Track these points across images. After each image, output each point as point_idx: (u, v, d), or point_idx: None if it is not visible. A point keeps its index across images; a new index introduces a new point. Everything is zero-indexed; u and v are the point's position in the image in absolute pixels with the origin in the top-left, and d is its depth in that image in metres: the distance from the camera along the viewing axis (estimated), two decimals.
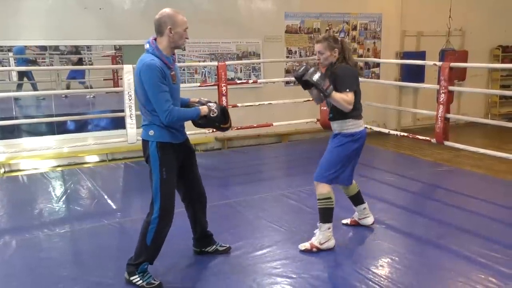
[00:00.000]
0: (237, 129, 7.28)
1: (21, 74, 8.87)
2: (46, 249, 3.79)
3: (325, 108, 7.26)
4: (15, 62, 8.51)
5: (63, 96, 9.30)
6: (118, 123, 7.40)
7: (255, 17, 8.11)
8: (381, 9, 9.09)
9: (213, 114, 3.18)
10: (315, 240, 3.60)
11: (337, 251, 3.65)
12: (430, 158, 6.90)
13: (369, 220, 4.05)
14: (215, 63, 7.01)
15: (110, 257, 3.60)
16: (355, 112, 3.57)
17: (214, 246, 3.60)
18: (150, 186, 3.13)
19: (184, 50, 3.07)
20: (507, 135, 7.88)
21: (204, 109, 3.17)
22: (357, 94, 3.57)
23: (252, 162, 6.89)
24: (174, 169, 3.16)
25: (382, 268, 3.38)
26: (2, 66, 8.44)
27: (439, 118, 5.85)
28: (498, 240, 3.81)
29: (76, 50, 8.85)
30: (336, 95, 3.43)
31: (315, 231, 3.67)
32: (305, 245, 3.61)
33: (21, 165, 6.92)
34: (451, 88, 5.83)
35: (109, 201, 4.91)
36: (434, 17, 9.15)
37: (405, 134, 6.93)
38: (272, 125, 7.49)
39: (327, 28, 8.64)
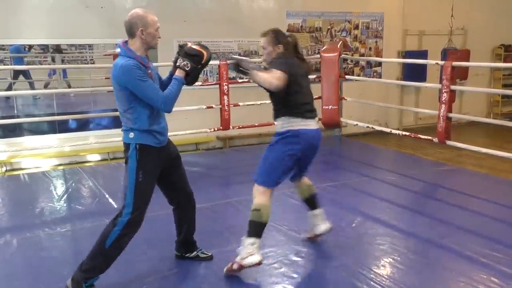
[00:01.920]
0: (239, 128, 7.27)
1: (17, 73, 8.85)
2: (47, 248, 3.79)
3: (327, 107, 7.29)
4: (12, 61, 8.51)
5: (72, 94, 9.27)
6: (120, 122, 7.39)
7: (257, 16, 8.09)
8: (383, 8, 9.07)
9: (187, 68, 3.00)
10: (238, 257, 3.20)
11: (339, 251, 3.65)
12: (432, 157, 6.89)
13: (321, 228, 3.62)
14: (217, 62, 7.00)
15: None
16: (293, 108, 3.19)
17: (195, 252, 3.48)
18: (124, 188, 3.00)
19: (152, 49, 2.95)
20: (509, 135, 7.86)
21: (179, 72, 3.01)
22: (297, 90, 3.18)
23: (254, 161, 6.78)
24: (152, 174, 3.04)
25: (384, 268, 3.38)
26: (4, 64, 8.44)
27: (441, 118, 5.83)
28: (501, 240, 3.79)
29: (57, 47, 8.77)
30: (258, 72, 3.06)
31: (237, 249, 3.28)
32: (227, 266, 3.25)
33: (23, 164, 6.92)
34: (453, 87, 5.81)
35: (110, 200, 4.91)
36: (436, 16, 9.13)
37: (407, 133, 6.91)
38: (274, 124, 7.45)
39: (329, 27, 8.63)
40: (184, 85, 3.06)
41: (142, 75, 2.87)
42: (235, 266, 3.17)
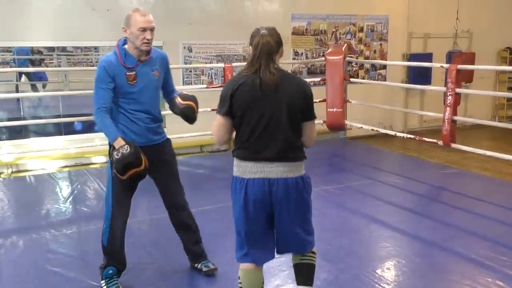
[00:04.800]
0: None
1: (19, 75, 8.86)
2: (54, 249, 3.81)
3: (332, 110, 7.30)
4: (16, 62, 8.53)
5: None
6: None
7: (262, 18, 8.10)
8: (388, 10, 9.07)
9: (117, 155, 2.80)
10: None
11: (343, 253, 3.65)
12: (437, 160, 6.87)
13: None
14: (222, 64, 7.03)
15: None
16: (239, 149, 2.47)
17: (199, 265, 3.33)
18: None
19: (142, 51, 2.95)
20: None
21: (118, 142, 2.84)
22: (244, 121, 2.41)
23: None
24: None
25: (389, 270, 3.38)
26: (10, 67, 8.47)
27: (446, 120, 5.83)
28: (506, 243, 3.79)
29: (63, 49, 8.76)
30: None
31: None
32: None
33: (29, 166, 6.95)
34: (458, 90, 5.81)
35: None
36: (441, 19, 9.11)
37: (412, 136, 6.90)
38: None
39: (334, 30, 8.63)
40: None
41: (103, 77, 2.86)
42: None
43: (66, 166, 7.03)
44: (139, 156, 2.86)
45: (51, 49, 8.27)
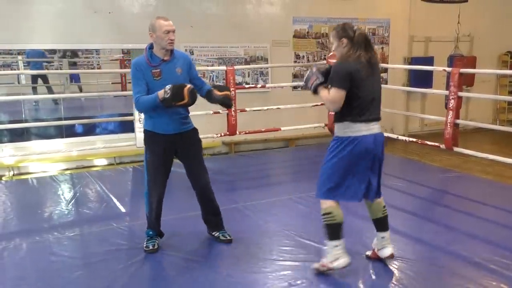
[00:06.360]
0: (246, 133, 7.29)
1: (35, 77, 8.89)
2: (57, 252, 3.80)
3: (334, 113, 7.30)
4: (27, 65, 8.56)
5: (83, 99, 9.28)
6: (126, 126, 7.44)
7: (263, 21, 8.12)
8: (389, 14, 9.08)
9: (166, 95, 3.37)
10: (325, 259, 3.30)
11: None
12: (438, 164, 6.87)
13: (386, 251, 3.43)
14: (224, 67, 7.03)
15: (119, 261, 3.61)
16: (350, 114, 3.09)
17: (217, 233, 3.92)
18: None
19: (167, 51, 3.57)
20: None
21: (160, 93, 3.40)
22: (356, 94, 3.07)
23: (260, 166, 6.90)
24: (158, 154, 3.61)
25: (392, 274, 3.37)
26: (11, 69, 8.49)
27: (449, 124, 5.83)
28: (509, 246, 3.79)
29: (74, 52, 8.87)
30: (321, 92, 3.15)
31: (324, 247, 3.37)
32: (316, 265, 3.35)
33: (30, 168, 6.94)
34: (460, 93, 5.81)
35: (118, 204, 4.93)
36: (442, 23, 9.13)
37: (414, 139, 6.91)
38: (281, 129, 7.50)
39: None
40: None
41: (136, 74, 3.50)
42: (323, 268, 3.30)
43: (67, 169, 7.03)
44: (179, 91, 3.37)
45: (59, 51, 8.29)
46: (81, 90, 9.22)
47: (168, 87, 3.38)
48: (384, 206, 3.42)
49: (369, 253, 3.58)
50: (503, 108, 10.36)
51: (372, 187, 3.22)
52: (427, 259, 3.61)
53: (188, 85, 3.43)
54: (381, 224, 3.43)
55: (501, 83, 10.28)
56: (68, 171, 6.83)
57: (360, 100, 3.08)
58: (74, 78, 9.33)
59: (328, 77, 3.15)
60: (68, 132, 7.56)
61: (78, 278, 3.38)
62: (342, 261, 3.23)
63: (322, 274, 3.31)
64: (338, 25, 3.21)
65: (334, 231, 3.22)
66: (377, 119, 3.21)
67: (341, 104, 3.06)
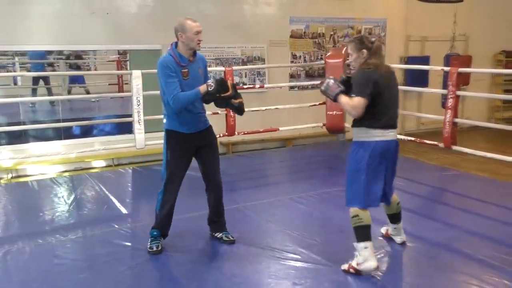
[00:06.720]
0: (244, 134, 7.30)
1: (36, 79, 8.84)
2: (60, 254, 3.80)
3: (332, 113, 7.32)
4: (23, 67, 8.50)
5: (93, 100, 9.25)
6: (124, 128, 7.42)
7: (260, 22, 8.14)
8: (386, 14, 9.13)
9: (210, 88, 3.47)
10: (353, 261, 3.35)
11: (349, 255, 3.64)
12: (436, 162, 6.91)
13: (397, 239, 3.83)
14: (222, 68, 7.04)
15: (123, 262, 3.62)
16: (370, 120, 3.28)
17: (220, 234, 3.93)
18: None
19: (194, 51, 3.66)
20: (510, 140, 7.88)
21: (203, 87, 3.50)
22: (377, 101, 3.25)
23: (258, 166, 6.91)
24: (179, 154, 3.67)
25: (395, 271, 3.41)
26: (7, 71, 8.44)
27: (447, 123, 5.87)
28: (510, 243, 3.83)
29: (78, 54, 8.85)
30: (342, 99, 3.30)
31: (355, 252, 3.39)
32: (344, 266, 3.40)
33: (28, 171, 6.92)
34: (458, 92, 5.85)
35: (119, 206, 4.93)
36: (438, 22, 9.18)
37: (412, 138, 6.94)
38: (279, 129, 7.51)
39: (332, 33, 8.68)
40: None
41: (169, 72, 3.47)
42: (351, 270, 3.34)
43: (65, 171, 7.01)
44: (224, 84, 3.53)
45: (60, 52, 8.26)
46: (88, 93, 9.18)
47: (211, 81, 3.51)
48: (398, 203, 3.73)
49: (384, 230, 3.96)
50: (498, 107, 10.44)
51: (389, 192, 3.56)
52: (430, 256, 3.64)
53: (229, 78, 3.52)
54: (395, 217, 3.77)
55: (496, 82, 10.36)
56: (67, 173, 6.81)
57: (379, 107, 3.26)
58: (79, 81, 9.30)
59: (346, 85, 3.34)
60: (66, 134, 7.53)
61: (82, 280, 3.38)
62: (370, 264, 3.26)
63: (328, 273, 3.33)
64: (355, 37, 3.40)
65: (362, 232, 3.32)
66: (394, 126, 3.39)
67: (363, 111, 3.22)
